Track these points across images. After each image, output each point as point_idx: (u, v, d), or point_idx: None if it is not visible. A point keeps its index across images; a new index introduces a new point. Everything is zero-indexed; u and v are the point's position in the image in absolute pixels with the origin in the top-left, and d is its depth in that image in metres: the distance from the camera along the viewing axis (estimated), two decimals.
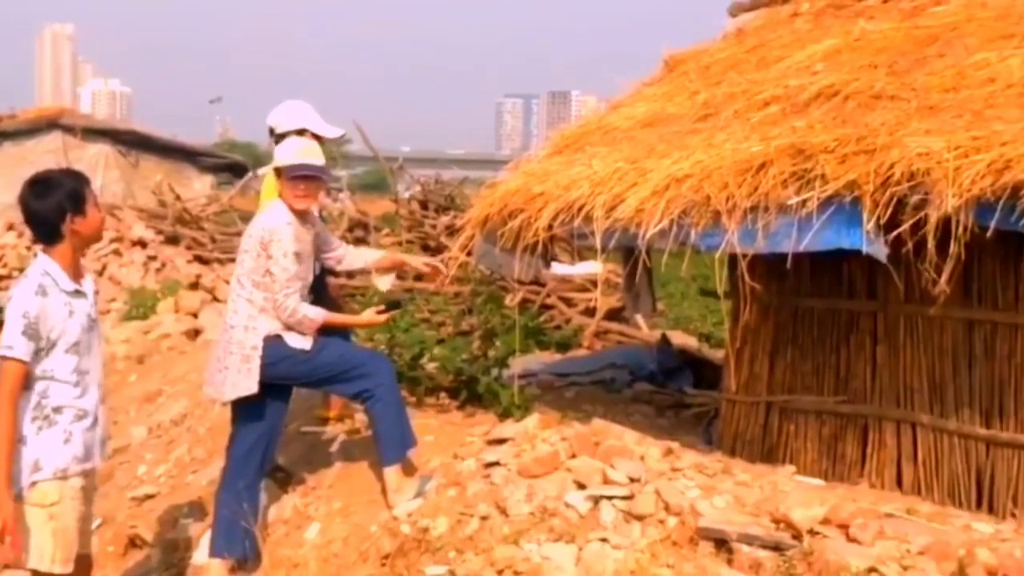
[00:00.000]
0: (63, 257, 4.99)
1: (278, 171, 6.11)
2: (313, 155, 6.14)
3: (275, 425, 6.24)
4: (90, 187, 5.10)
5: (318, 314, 6.00)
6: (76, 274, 5.06)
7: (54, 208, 4.91)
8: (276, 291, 5.92)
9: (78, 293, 5.03)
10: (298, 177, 5.99)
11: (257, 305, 6.02)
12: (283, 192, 6.04)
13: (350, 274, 10.61)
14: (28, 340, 4.81)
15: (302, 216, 6.04)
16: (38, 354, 4.87)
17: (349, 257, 6.53)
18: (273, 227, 5.95)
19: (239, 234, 16.94)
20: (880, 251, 5.61)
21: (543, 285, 12.91)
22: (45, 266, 4.95)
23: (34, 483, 4.92)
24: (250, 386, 5.99)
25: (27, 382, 4.86)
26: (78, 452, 5.07)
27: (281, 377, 5.99)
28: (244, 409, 6.17)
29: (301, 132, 6.77)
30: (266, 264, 5.94)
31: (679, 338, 11.53)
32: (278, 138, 6.82)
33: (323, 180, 6.21)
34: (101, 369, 5.28)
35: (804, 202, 5.70)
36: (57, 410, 4.98)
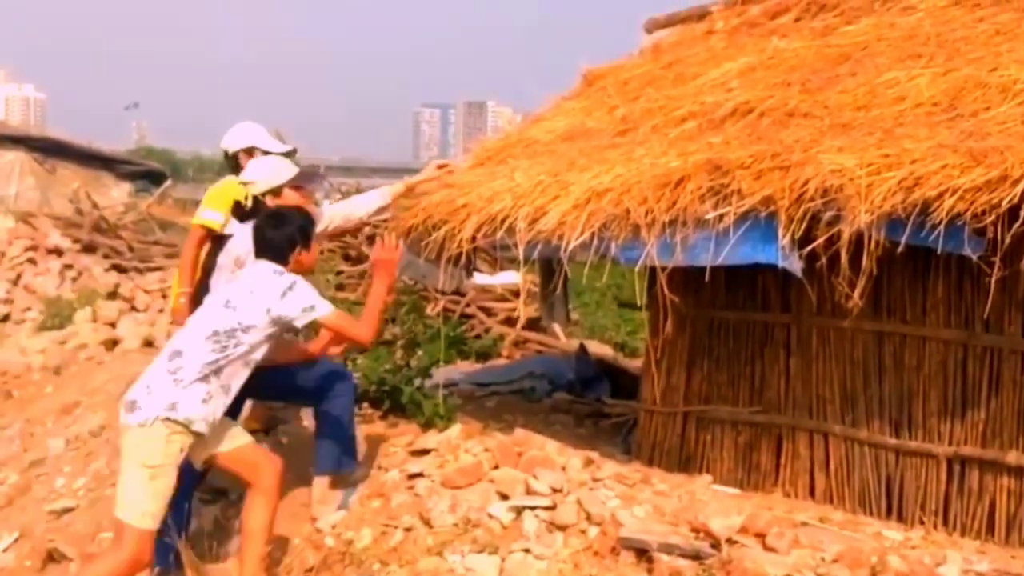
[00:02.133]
0: None
1: (276, 191, 6.26)
2: (286, 164, 6.46)
3: None
4: (314, 227, 5.81)
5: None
6: None
7: (286, 239, 5.58)
8: None
9: None
10: (296, 186, 6.29)
11: None
12: (287, 201, 6.18)
13: None
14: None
15: None
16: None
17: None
18: (250, 248, 6.00)
19: (157, 243, 16.87)
20: (795, 266, 5.75)
21: (463, 295, 12.96)
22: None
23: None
24: None
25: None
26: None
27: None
28: None
29: (250, 151, 6.87)
30: None
31: (595, 347, 11.61)
32: (231, 159, 6.97)
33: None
34: None
35: (721, 217, 5.83)
36: (226, 387, 5.41)
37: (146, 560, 5.35)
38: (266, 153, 6.85)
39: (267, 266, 5.57)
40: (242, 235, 6.24)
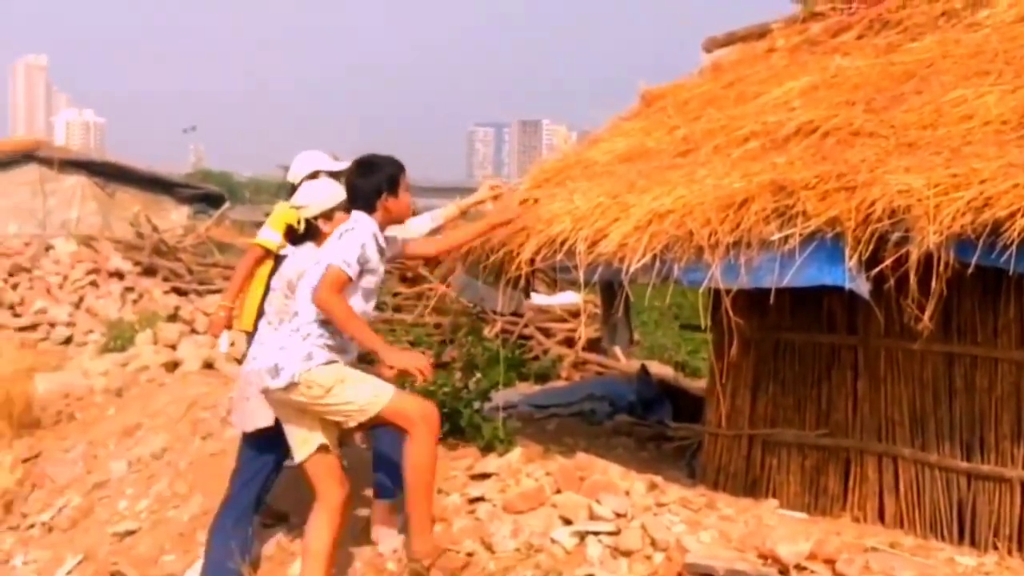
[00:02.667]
0: None
1: (327, 215, 6.22)
2: (339, 187, 6.33)
3: (277, 461, 6.26)
4: (404, 174, 5.79)
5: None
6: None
7: (373, 187, 5.67)
8: None
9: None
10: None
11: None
12: (332, 228, 6.05)
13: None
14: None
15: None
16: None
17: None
18: (302, 270, 6.03)
19: (216, 265, 17.02)
20: (863, 287, 5.66)
21: (521, 315, 12.94)
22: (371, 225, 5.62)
23: None
24: (267, 417, 6.01)
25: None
26: None
27: None
28: (256, 442, 6.22)
29: (314, 175, 6.88)
30: (291, 304, 6.02)
31: (655, 367, 11.55)
32: (293, 187, 6.98)
33: None
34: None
35: (786, 238, 5.76)
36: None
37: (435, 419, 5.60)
38: (330, 174, 6.86)
39: (349, 217, 5.73)
40: (295, 258, 6.25)
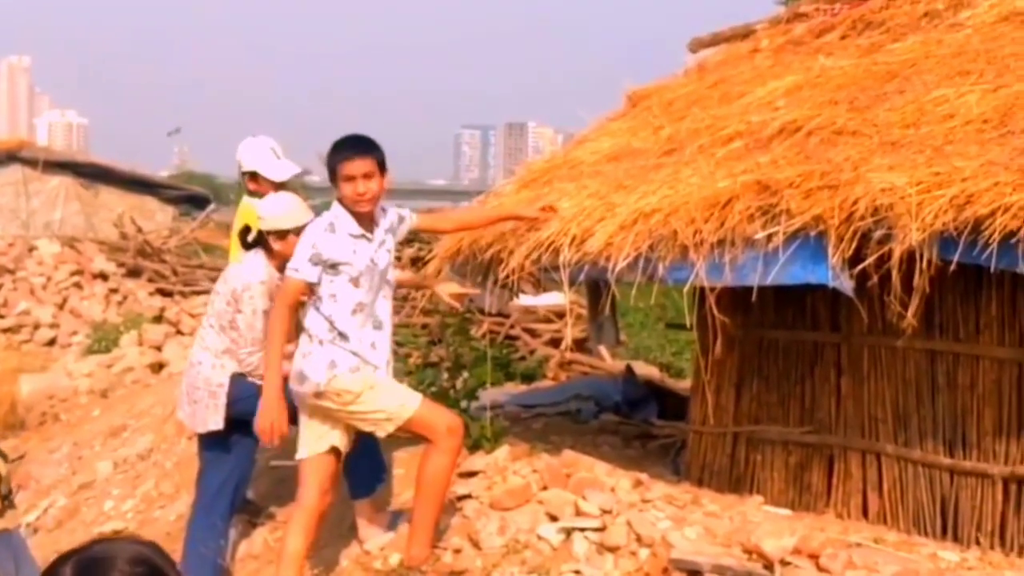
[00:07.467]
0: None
1: (280, 234, 6.09)
2: (302, 209, 6.21)
3: (246, 461, 6.27)
4: (342, 163, 5.46)
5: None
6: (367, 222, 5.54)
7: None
8: (241, 345, 6.03)
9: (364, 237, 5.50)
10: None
11: (224, 346, 6.08)
12: (283, 248, 6.02)
13: None
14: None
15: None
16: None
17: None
18: (248, 282, 6.05)
19: (201, 266, 17.00)
20: (846, 285, 5.71)
21: (507, 316, 12.96)
22: (322, 221, 5.52)
23: None
24: (217, 421, 6.03)
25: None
26: None
27: (250, 413, 5.89)
28: (214, 444, 6.20)
29: (254, 175, 6.80)
30: (234, 315, 6.03)
31: (641, 368, 11.59)
32: (243, 175, 6.91)
33: None
34: None
35: (770, 237, 5.80)
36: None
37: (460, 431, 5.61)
38: (274, 184, 6.74)
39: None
40: (241, 267, 6.20)
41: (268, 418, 5.47)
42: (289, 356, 5.58)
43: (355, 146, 5.51)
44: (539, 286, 7.11)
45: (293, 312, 5.58)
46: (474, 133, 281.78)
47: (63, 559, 2.01)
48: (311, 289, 5.43)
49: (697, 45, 9.34)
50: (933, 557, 5.58)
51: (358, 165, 5.42)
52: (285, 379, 5.60)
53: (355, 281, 5.45)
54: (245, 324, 5.99)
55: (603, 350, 11.57)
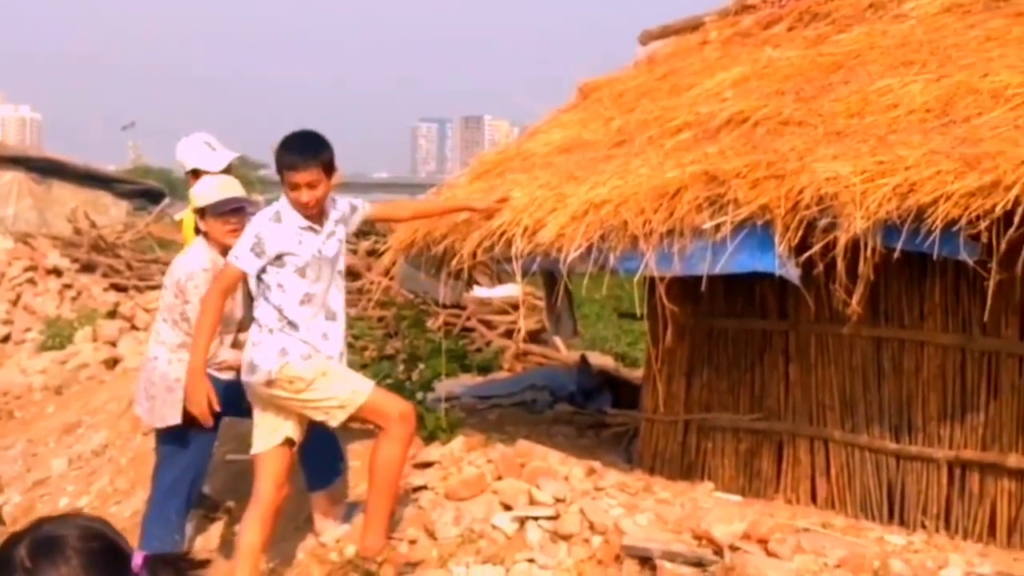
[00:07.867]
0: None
1: (201, 211, 6.14)
2: (233, 188, 6.21)
3: (203, 455, 6.27)
4: (286, 167, 5.44)
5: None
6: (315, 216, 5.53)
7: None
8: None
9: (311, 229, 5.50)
10: (227, 212, 6.05)
11: (179, 339, 6.07)
12: (211, 230, 6.07)
13: None
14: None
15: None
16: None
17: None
18: (191, 271, 6.02)
19: (156, 260, 16.89)
20: (793, 273, 5.79)
21: (463, 308, 13.00)
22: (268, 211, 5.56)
23: None
24: (175, 416, 6.02)
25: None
26: None
27: None
28: (171, 438, 6.19)
29: (195, 171, 6.80)
30: (183, 307, 6.02)
31: (596, 358, 11.65)
32: (188, 173, 6.91)
33: (248, 210, 6.26)
34: None
35: (718, 226, 5.87)
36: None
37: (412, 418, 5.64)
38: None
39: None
40: (185, 257, 6.21)
41: (197, 399, 5.49)
42: (242, 345, 5.60)
43: (301, 151, 5.45)
44: (495, 278, 7.17)
45: (225, 297, 5.61)
46: (431, 126, 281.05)
47: (13, 542, 1.99)
48: (260, 279, 5.45)
49: (647, 37, 9.41)
50: (880, 541, 5.68)
51: (302, 176, 5.39)
52: (237, 371, 5.63)
53: (301, 272, 5.45)
54: (195, 314, 5.97)
55: (558, 341, 11.64)
